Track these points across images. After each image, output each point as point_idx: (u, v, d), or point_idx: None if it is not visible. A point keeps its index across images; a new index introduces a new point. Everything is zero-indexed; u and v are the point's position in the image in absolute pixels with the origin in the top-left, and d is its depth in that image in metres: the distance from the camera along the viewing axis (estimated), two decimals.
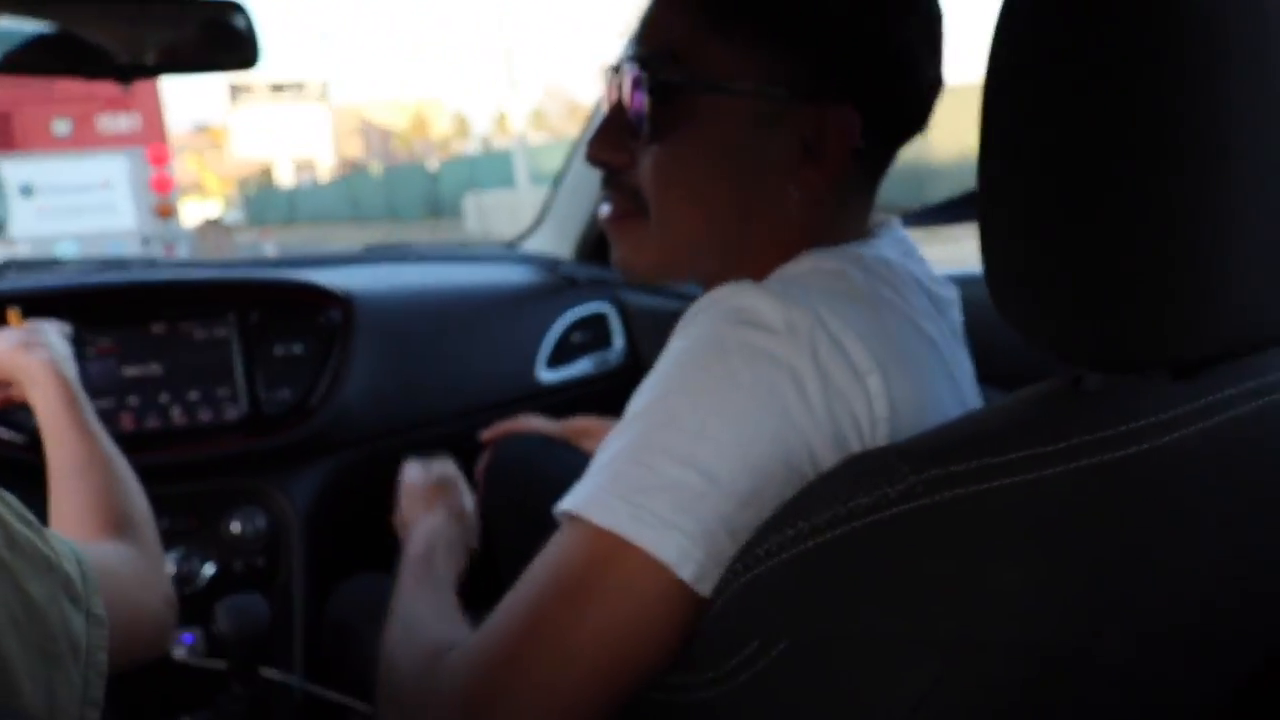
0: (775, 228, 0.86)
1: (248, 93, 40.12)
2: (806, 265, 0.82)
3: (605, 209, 0.93)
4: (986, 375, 0.96)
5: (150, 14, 1.31)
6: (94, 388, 1.53)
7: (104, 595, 0.69)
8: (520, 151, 23.86)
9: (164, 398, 1.60)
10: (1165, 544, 0.66)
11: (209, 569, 1.60)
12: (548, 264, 2.18)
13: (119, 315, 1.61)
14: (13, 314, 1.37)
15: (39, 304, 1.57)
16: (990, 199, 0.63)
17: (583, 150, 0.93)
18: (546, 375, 1.98)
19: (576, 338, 2.04)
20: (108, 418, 1.53)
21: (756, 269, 0.82)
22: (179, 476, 1.58)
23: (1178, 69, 0.56)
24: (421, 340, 1.86)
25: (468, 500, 1.29)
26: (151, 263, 2.15)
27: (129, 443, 1.15)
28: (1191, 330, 0.60)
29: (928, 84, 0.86)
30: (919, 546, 0.62)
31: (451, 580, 1.08)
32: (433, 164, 33.16)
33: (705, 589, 0.70)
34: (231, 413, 1.63)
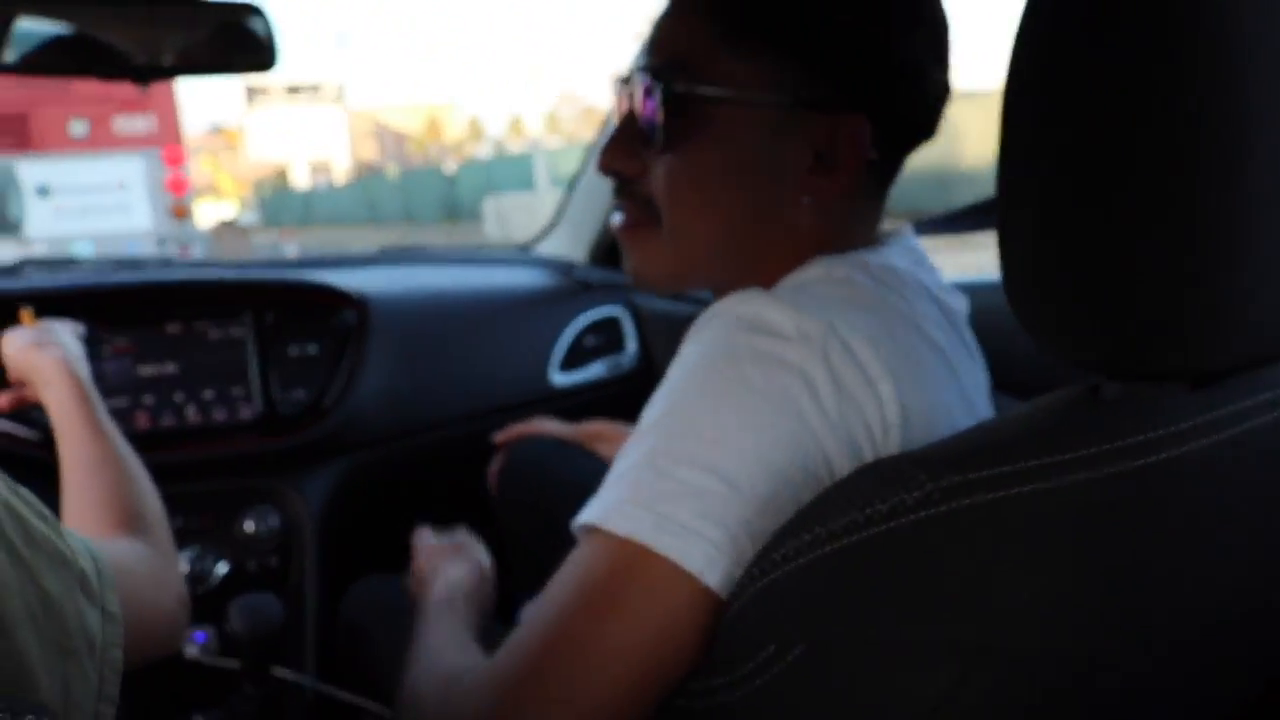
0: (787, 236, 0.86)
1: (264, 94, 40.25)
2: (816, 273, 0.83)
3: (618, 218, 0.94)
4: (997, 383, 0.96)
5: (167, 15, 1.32)
6: (109, 387, 1.54)
7: (118, 592, 0.69)
8: (540, 154, 23.81)
9: (179, 397, 1.60)
10: (1182, 554, 0.65)
11: (222, 568, 1.60)
12: (561, 267, 2.18)
13: (135, 315, 1.62)
14: (25, 314, 1.37)
15: (56, 303, 1.57)
16: (1009, 205, 0.62)
17: (595, 158, 0.93)
18: (559, 378, 1.98)
19: (590, 341, 2.04)
20: (123, 416, 1.54)
21: (767, 277, 0.83)
22: (193, 475, 1.58)
23: (1197, 76, 0.55)
24: (435, 342, 1.86)
25: (485, 558, 1.26)
26: (167, 263, 2.16)
27: (144, 441, 1.15)
28: (1211, 340, 0.59)
29: (936, 92, 0.87)
30: (936, 553, 0.62)
31: (473, 624, 1.06)
32: (449, 167, 33.08)
33: (727, 594, 0.70)
34: (246, 412, 1.63)
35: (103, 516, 0.98)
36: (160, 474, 1.09)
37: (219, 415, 1.62)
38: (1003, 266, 0.64)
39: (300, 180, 44.10)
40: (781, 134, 0.83)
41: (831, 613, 0.66)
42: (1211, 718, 0.78)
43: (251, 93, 40.36)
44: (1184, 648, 0.69)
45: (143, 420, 1.58)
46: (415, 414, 1.82)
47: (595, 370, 2.04)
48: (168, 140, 8.48)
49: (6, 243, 7.71)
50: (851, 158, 0.83)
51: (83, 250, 7.67)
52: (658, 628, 0.71)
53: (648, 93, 0.85)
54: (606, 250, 2.14)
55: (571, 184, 2.32)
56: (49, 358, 1.20)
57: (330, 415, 1.67)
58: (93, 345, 1.53)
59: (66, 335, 1.30)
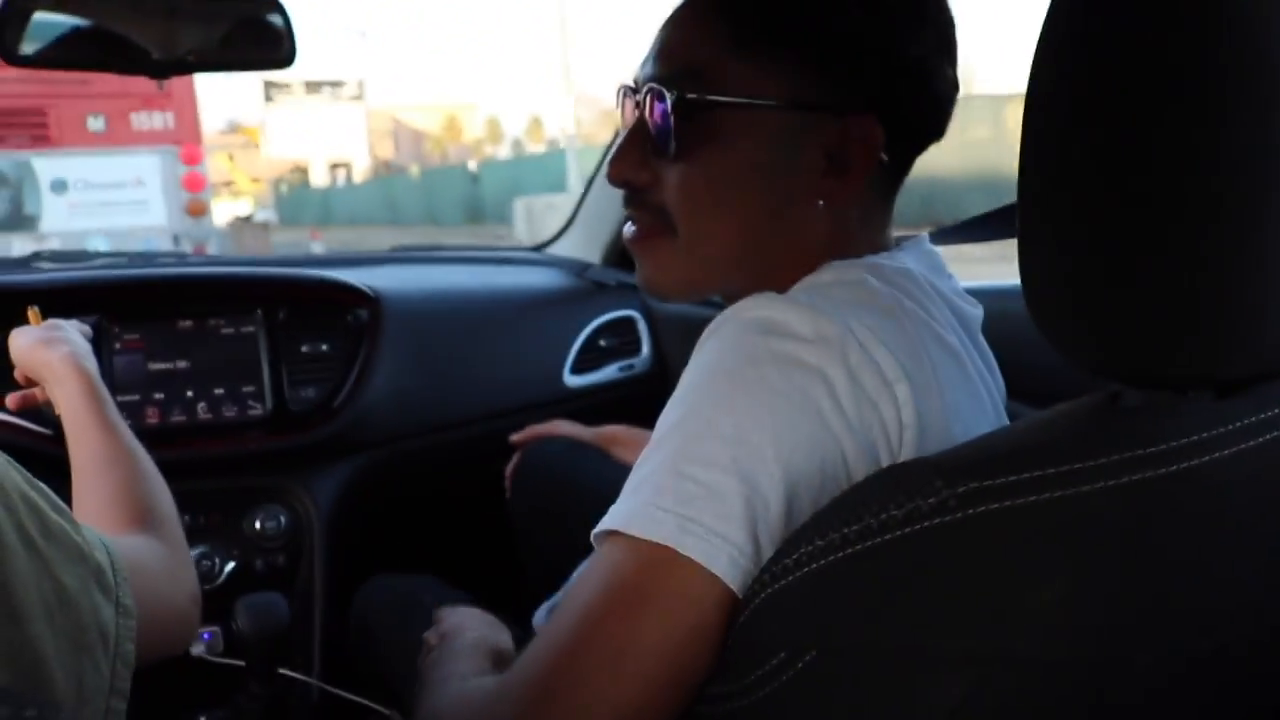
0: (801, 240, 0.86)
1: (283, 90, 40.30)
2: (829, 276, 0.83)
3: (629, 229, 0.94)
4: (1009, 391, 0.96)
5: (186, 10, 1.32)
6: (119, 382, 1.54)
7: (132, 588, 0.69)
8: (574, 153, 23.49)
9: (189, 393, 1.60)
10: (1201, 565, 0.64)
11: (229, 566, 1.59)
12: (576, 267, 2.17)
13: (146, 310, 1.61)
14: (32, 313, 1.37)
15: (66, 296, 1.57)
16: (1030, 213, 0.62)
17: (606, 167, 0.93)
18: (573, 379, 1.98)
19: (604, 342, 2.04)
20: (132, 412, 1.53)
21: (781, 282, 0.82)
22: (202, 472, 1.58)
23: (1223, 83, 0.55)
24: (448, 341, 1.86)
25: (508, 639, 1.13)
26: (180, 258, 2.16)
27: (153, 437, 1.15)
28: (1234, 349, 0.59)
29: (945, 91, 0.87)
30: (951, 560, 0.61)
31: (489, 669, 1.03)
32: (471, 167, 32.90)
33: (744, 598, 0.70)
34: (256, 410, 1.63)
35: (115, 514, 0.97)
36: (168, 471, 1.09)
37: (229, 412, 1.61)
38: (1023, 275, 0.63)
39: (319, 178, 44.24)
40: (793, 138, 0.84)
41: (845, 619, 0.65)
42: None
43: (270, 88, 40.37)
44: (1201, 659, 0.69)
45: (152, 416, 1.57)
46: (426, 414, 1.81)
47: (609, 372, 2.03)
48: (186, 138, 8.50)
49: (22, 237, 7.74)
50: (864, 159, 0.83)
51: (96, 246, 7.70)
52: (688, 629, 0.70)
53: (658, 101, 0.85)
54: (621, 251, 2.13)
55: (587, 185, 2.31)
56: (58, 355, 1.20)
57: (341, 414, 1.66)
58: (103, 340, 1.52)
59: (74, 333, 1.30)
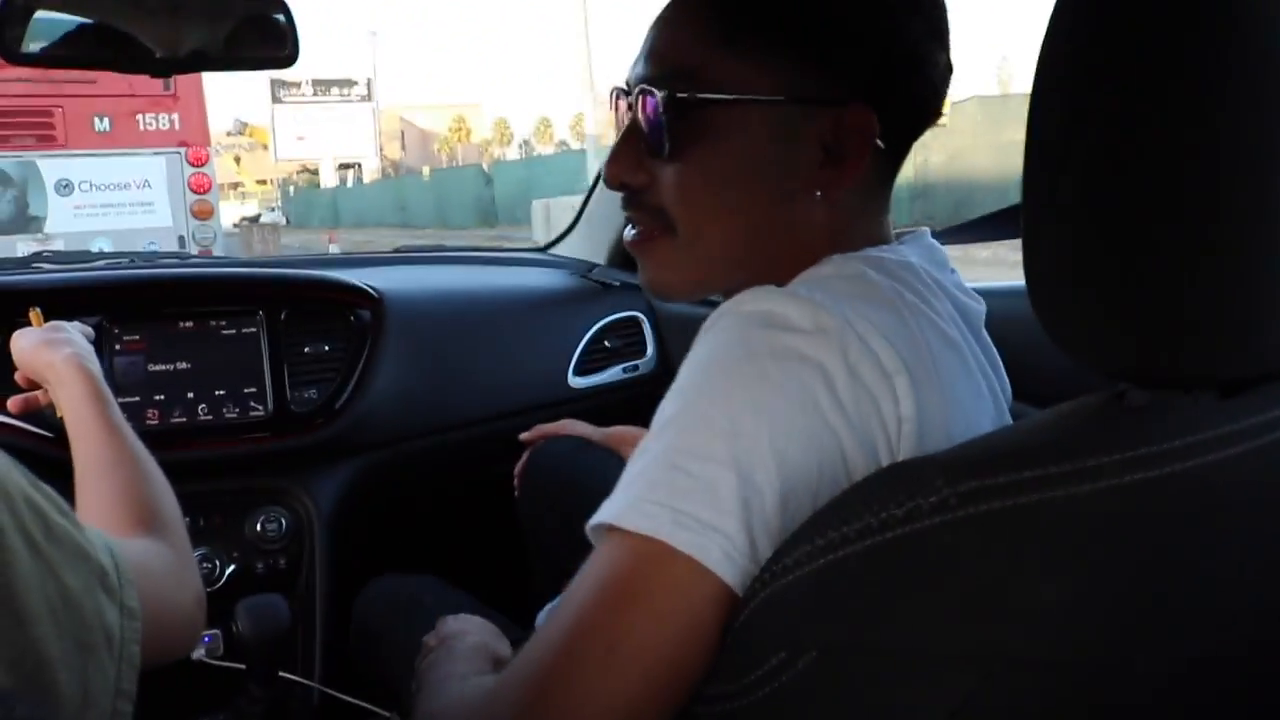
0: (802, 233, 0.86)
1: (291, 89, 40.23)
2: (828, 269, 0.82)
3: (629, 231, 0.94)
4: (1016, 393, 0.96)
5: (190, 8, 1.31)
6: (120, 383, 1.53)
7: (137, 590, 0.69)
8: (593, 154, 23.17)
9: (190, 394, 1.59)
10: (1204, 565, 0.64)
11: (230, 569, 1.59)
12: (581, 267, 2.17)
13: (147, 310, 1.61)
14: (34, 314, 1.37)
15: (68, 297, 1.57)
16: (1035, 212, 0.62)
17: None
18: (577, 380, 1.97)
19: (608, 343, 2.04)
20: (133, 413, 1.53)
21: (784, 277, 0.82)
22: (202, 474, 1.57)
23: (1226, 81, 0.55)
24: (451, 342, 1.85)
25: (507, 648, 1.14)
26: (181, 258, 2.16)
27: (153, 439, 1.14)
28: (1240, 348, 0.59)
29: (939, 74, 0.87)
30: (952, 560, 0.61)
31: (488, 671, 1.03)
32: (485, 167, 32.67)
33: (745, 592, 0.69)
34: (258, 411, 1.62)
35: (119, 516, 0.97)
36: (169, 472, 1.08)
37: (230, 413, 1.60)
38: (1028, 274, 0.63)
39: (327, 179, 44.23)
40: (788, 131, 0.84)
41: (845, 619, 0.65)
42: None
43: (277, 88, 40.28)
44: (1204, 660, 0.68)
45: (153, 417, 1.57)
46: (429, 414, 1.81)
47: (613, 373, 2.03)
48: (193, 139, 8.53)
49: (27, 239, 7.76)
50: (860, 149, 0.83)
51: (101, 247, 7.72)
52: (682, 623, 0.69)
53: (651, 102, 0.85)
54: (626, 252, 2.13)
55: (591, 185, 2.31)
56: (61, 356, 1.20)
57: (343, 415, 1.66)
58: (103, 341, 1.52)
59: (76, 334, 1.29)
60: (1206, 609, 0.65)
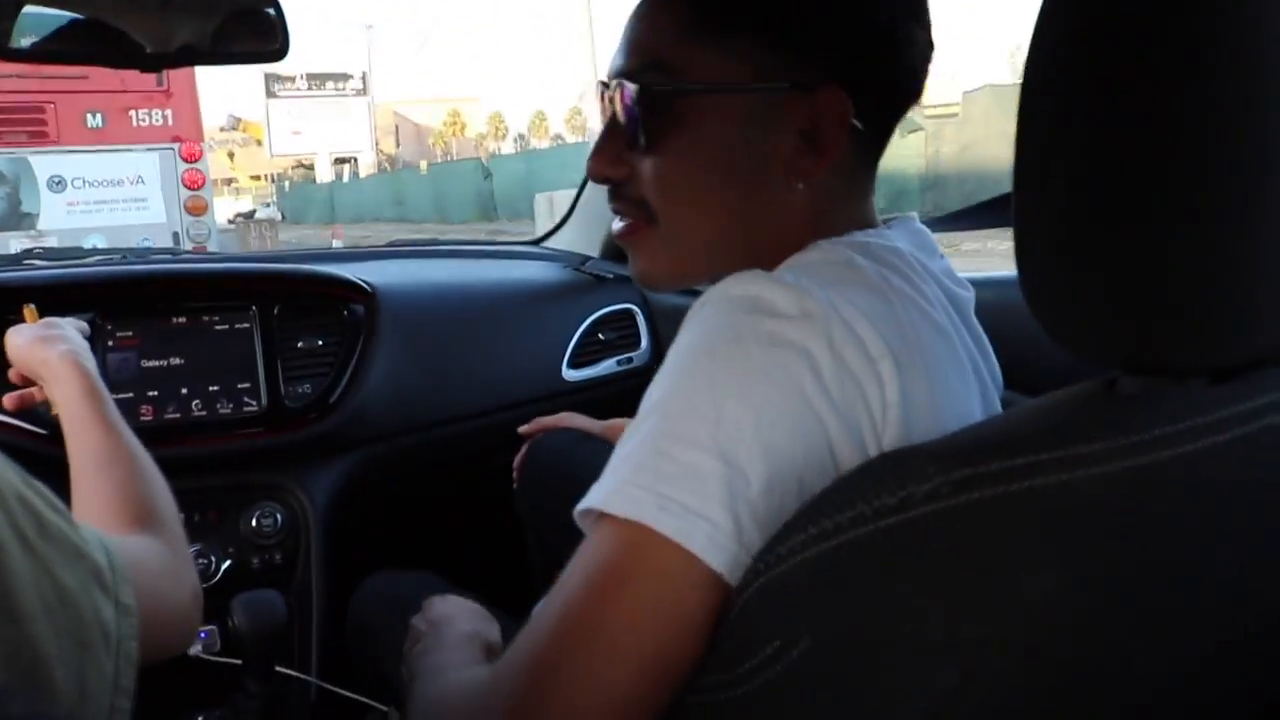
0: (783, 220, 0.86)
1: (286, 83, 40.04)
2: (815, 255, 0.82)
3: (616, 223, 0.95)
4: (1009, 382, 0.96)
5: (179, 3, 1.31)
6: (113, 380, 1.53)
7: (133, 587, 0.69)
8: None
9: (183, 390, 1.59)
10: (1198, 550, 0.64)
11: (226, 564, 1.58)
12: (574, 261, 2.17)
13: (140, 306, 1.61)
14: (29, 311, 1.36)
15: (60, 293, 1.57)
16: (1026, 200, 0.62)
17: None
18: (571, 373, 1.97)
19: (603, 335, 2.04)
20: (127, 409, 1.52)
21: (770, 263, 0.82)
22: (197, 470, 1.57)
23: (1217, 68, 0.55)
24: (445, 335, 1.85)
25: (496, 632, 1.13)
26: (174, 254, 2.16)
27: (147, 435, 1.14)
28: (1230, 335, 0.59)
29: (918, 54, 0.87)
30: (945, 548, 0.61)
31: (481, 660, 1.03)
32: (484, 161, 32.44)
33: (735, 579, 0.69)
34: (251, 406, 1.62)
35: (115, 513, 0.97)
36: (164, 468, 1.08)
37: (224, 409, 1.60)
38: (1020, 263, 0.63)
39: (323, 174, 44.02)
40: (762, 119, 0.84)
41: (839, 607, 0.65)
42: None
43: (272, 82, 40.03)
44: (1195, 647, 0.68)
45: (146, 413, 1.56)
46: (424, 409, 1.81)
47: (607, 365, 2.03)
48: (187, 135, 8.50)
49: (20, 236, 7.75)
50: (836, 132, 0.83)
51: (95, 244, 7.70)
52: (665, 608, 0.70)
53: (627, 95, 0.86)
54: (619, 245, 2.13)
55: (585, 178, 2.31)
56: (56, 353, 1.19)
57: (337, 410, 1.65)
58: (96, 337, 1.51)
59: (71, 331, 1.29)
60: (1197, 596, 0.65)
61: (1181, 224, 0.56)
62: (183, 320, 1.61)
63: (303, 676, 1.50)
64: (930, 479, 0.60)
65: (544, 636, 0.73)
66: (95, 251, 2.04)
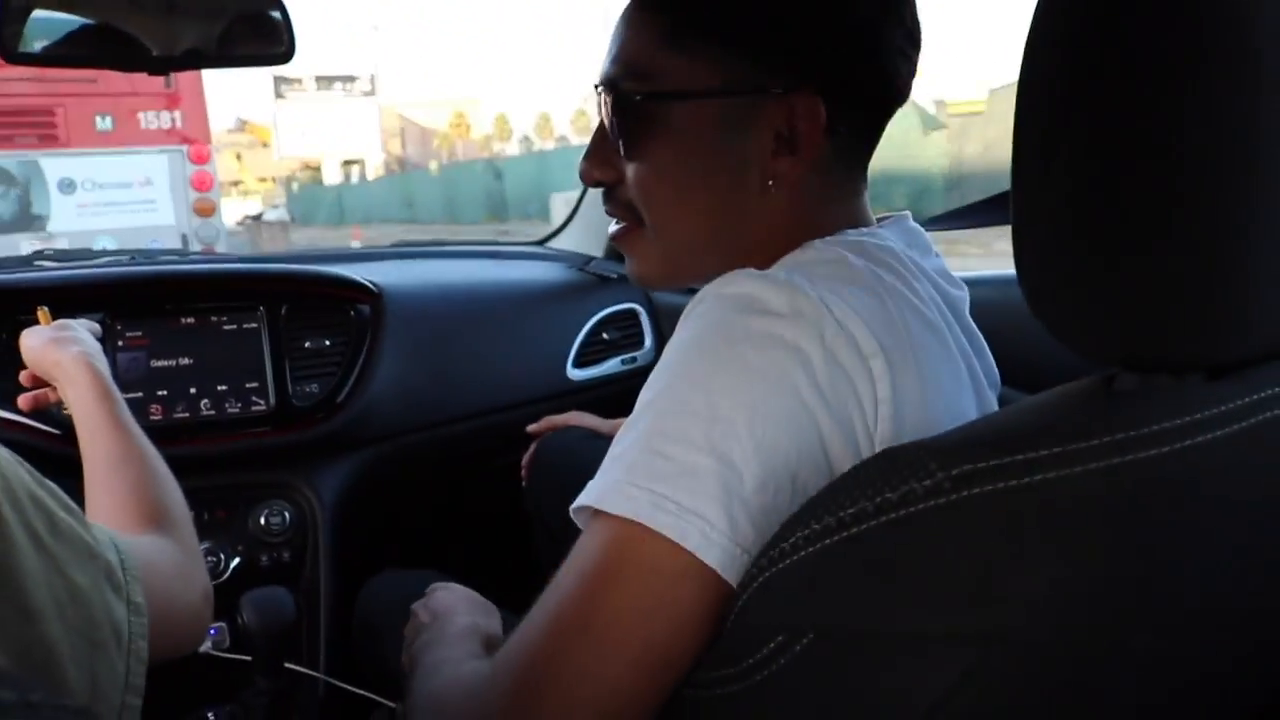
0: (767, 221, 0.87)
1: (294, 86, 39.95)
2: (810, 254, 0.83)
3: (612, 226, 0.97)
4: (1006, 379, 0.96)
5: (185, 6, 1.32)
6: (123, 379, 1.54)
7: (144, 586, 0.70)
8: None
9: (192, 390, 1.60)
10: (1197, 545, 0.64)
11: (235, 562, 1.59)
12: (578, 261, 2.17)
13: (148, 307, 1.62)
14: (42, 313, 1.37)
15: (69, 294, 1.58)
16: (1025, 199, 0.62)
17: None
18: (576, 373, 1.98)
19: (607, 335, 2.04)
20: (136, 409, 1.53)
21: (758, 263, 0.83)
22: (206, 469, 1.58)
23: (1213, 66, 0.55)
24: (451, 335, 1.86)
25: (497, 623, 1.13)
26: (182, 255, 2.17)
27: (156, 434, 1.15)
28: (1228, 331, 0.59)
29: (899, 56, 0.87)
30: (946, 543, 0.61)
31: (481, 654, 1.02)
32: (495, 161, 32.19)
33: (732, 576, 0.70)
34: (260, 406, 1.63)
35: (128, 513, 0.97)
36: (172, 467, 1.09)
37: (232, 408, 1.61)
38: (1018, 261, 0.63)
39: (331, 176, 43.88)
40: (738, 123, 0.85)
41: (842, 602, 0.65)
42: (1221, 714, 0.77)
43: (280, 84, 39.91)
44: (1194, 641, 0.68)
45: (156, 412, 1.57)
46: (430, 408, 1.81)
47: (612, 365, 2.03)
48: (195, 137, 8.52)
49: (30, 237, 7.77)
50: (812, 135, 0.84)
51: (104, 246, 7.70)
52: (660, 604, 0.70)
53: (605, 102, 0.88)
54: None
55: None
56: (69, 354, 1.20)
57: (344, 409, 1.66)
58: (106, 337, 1.52)
59: (84, 332, 1.30)
60: (1195, 590, 0.66)
61: (1179, 222, 0.57)
62: (191, 320, 1.62)
63: (311, 673, 1.50)
64: (931, 475, 0.60)
65: (540, 632, 0.74)
66: (105, 253, 2.05)
